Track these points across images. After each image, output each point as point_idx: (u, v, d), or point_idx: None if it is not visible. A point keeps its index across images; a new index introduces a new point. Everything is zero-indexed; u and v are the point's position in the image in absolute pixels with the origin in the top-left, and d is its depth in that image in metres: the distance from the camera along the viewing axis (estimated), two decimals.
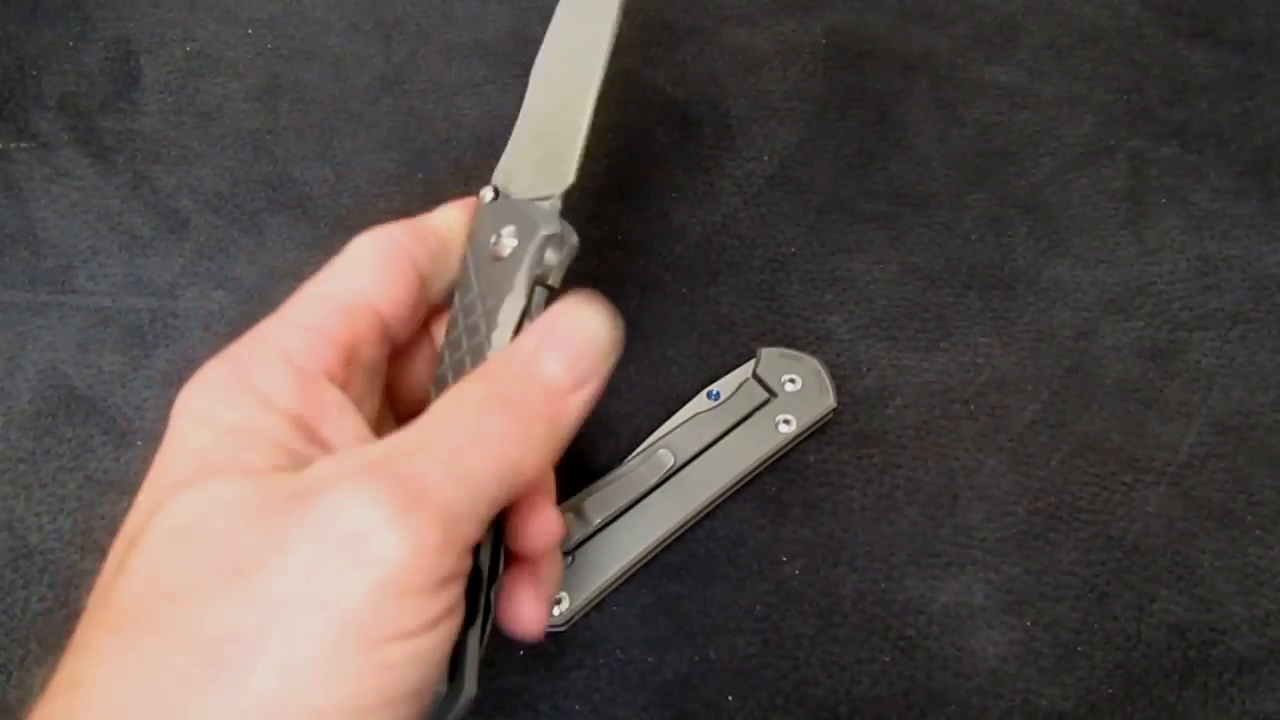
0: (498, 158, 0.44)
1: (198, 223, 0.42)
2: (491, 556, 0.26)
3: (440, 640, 0.20)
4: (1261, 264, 0.42)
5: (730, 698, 0.33)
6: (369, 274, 0.27)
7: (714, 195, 0.43)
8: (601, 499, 0.34)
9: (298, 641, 0.18)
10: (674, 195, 0.43)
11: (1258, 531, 0.36)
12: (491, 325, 0.28)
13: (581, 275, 0.41)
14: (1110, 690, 0.33)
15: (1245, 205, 0.43)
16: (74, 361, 0.38)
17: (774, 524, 0.35)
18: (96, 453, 0.37)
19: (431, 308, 0.30)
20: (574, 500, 0.34)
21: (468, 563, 0.21)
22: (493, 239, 0.30)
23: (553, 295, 0.30)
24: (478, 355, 0.28)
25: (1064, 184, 0.44)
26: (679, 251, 0.41)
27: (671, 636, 0.33)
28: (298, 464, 0.21)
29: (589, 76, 0.32)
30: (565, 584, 0.33)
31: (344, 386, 0.25)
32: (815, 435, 0.37)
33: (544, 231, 0.29)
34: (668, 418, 0.36)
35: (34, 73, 0.46)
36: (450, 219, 0.30)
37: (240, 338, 0.25)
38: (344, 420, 0.23)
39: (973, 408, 0.38)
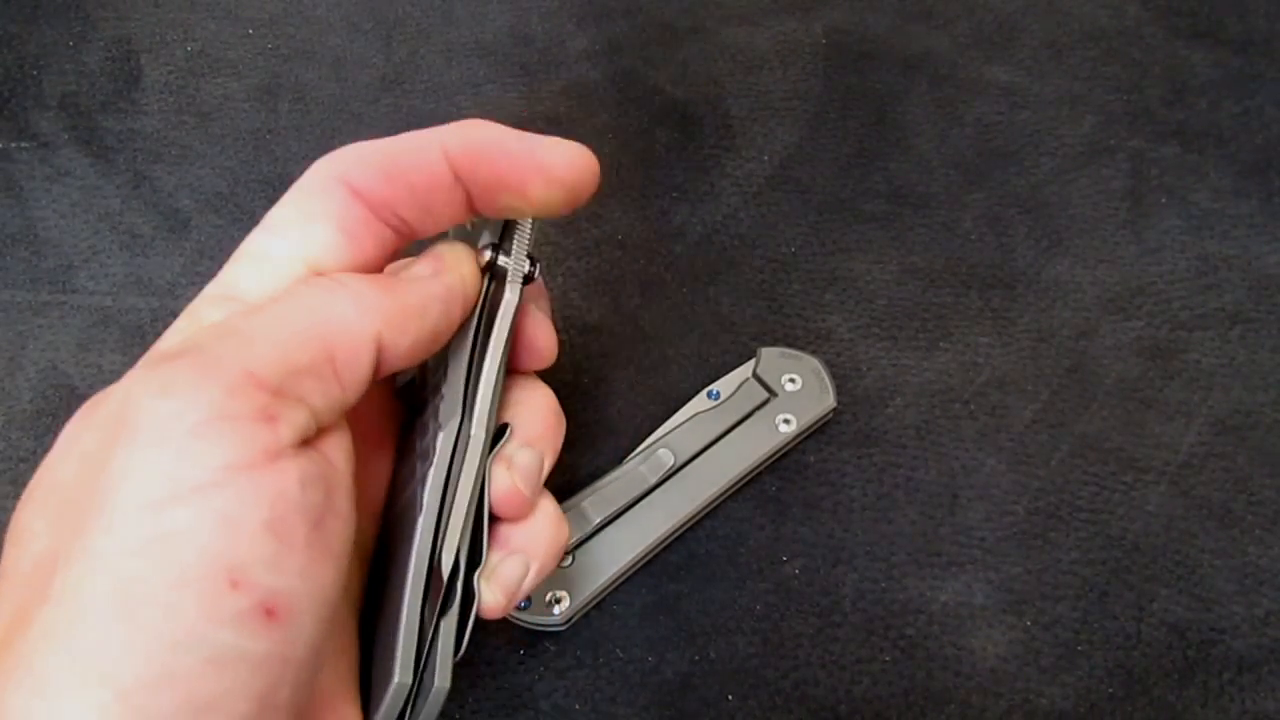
0: None
1: (198, 222, 0.42)
2: (471, 543, 0.25)
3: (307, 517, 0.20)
4: (1261, 264, 0.42)
5: (730, 698, 0.33)
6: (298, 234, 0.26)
7: (714, 195, 0.43)
8: (601, 499, 0.34)
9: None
10: (674, 195, 0.43)
11: (1258, 531, 0.36)
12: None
13: (582, 275, 0.41)
14: (1110, 690, 0.33)
15: (1245, 205, 0.43)
16: (74, 361, 0.38)
17: (774, 524, 0.35)
18: None
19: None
20: (574, 500, 0.34)
21: (302, 419, 0.21)
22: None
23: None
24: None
25: (1064, 184, 0.44)
26: (679, 251, 0.41)
27: (671, 636, 0.33)
28: None
29: None
30: (565, 584, 0.33)
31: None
32: (815, 435, 0.37)
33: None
34: (668, 418, 0.36)
35: (34, 73, 0.46)
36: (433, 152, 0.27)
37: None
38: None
39: (973, 408, 0.38)
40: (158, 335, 0.39)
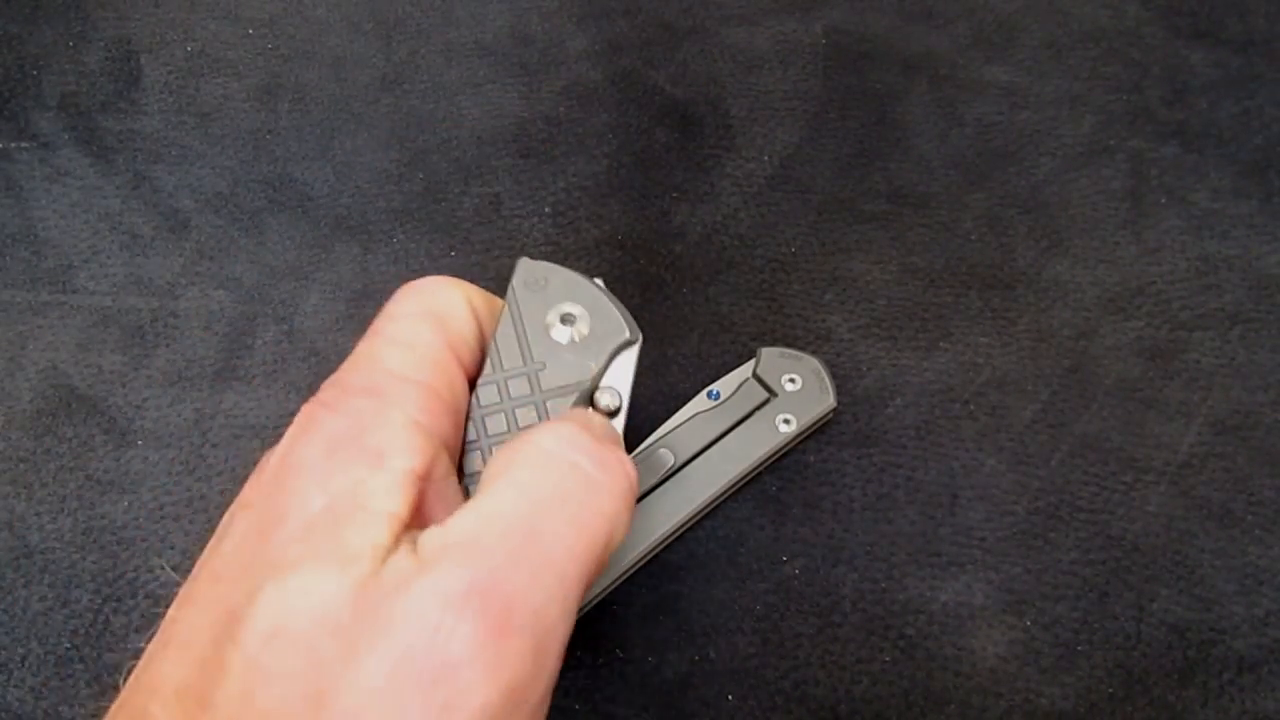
0: (498, 158, 0.44)
1: (198, 222, 0.42)
2: None
3: None
4: (1261, 264, 0.42)
5: (730, 698, 0.33)
6: (465, 325, 0.24)
7: (714, 195, 0.43)
8: None
9: None
10: (674, 195, 0.43)
11: (1258, 531, 0.36)
12: (546, 414, 0.25)
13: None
14: (1110, 690, 0.33)
15: (1245, 205, 0.43)
16: (74, 361, 0.38)
17: (774, 524, 0.35)
18: (97, 452, 0.37)
19: None
20: None
21: (560, 665, 0.20)
22: (549, 314, 0.27)
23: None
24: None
25: (1064, 184, 0.44)
26: (679, 251, 0.41)
27: (671, 636, 0.33)
28: (397, 539, 0.20)
29: None
30: None
31: (453, 455, 0.23)
32: (815, 435, 0.37)
33: (627, 336, 0.27)
34: (668, 418, 0.36)
35: (34, 73, 0.46)
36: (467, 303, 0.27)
37: (344, 383, 0.23)
38: (451, 492, 0.22)
39: (973, 408, 0.38)
40: (157, 335, 0.39)
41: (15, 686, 0.33)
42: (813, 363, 0.37)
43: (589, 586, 0.20)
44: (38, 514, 0.35)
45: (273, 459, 0.22)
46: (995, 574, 0.35)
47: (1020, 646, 0.34)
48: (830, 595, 0.34)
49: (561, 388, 0.25)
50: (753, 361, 0.37)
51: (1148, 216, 0.43)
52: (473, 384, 0.25)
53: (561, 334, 0.26)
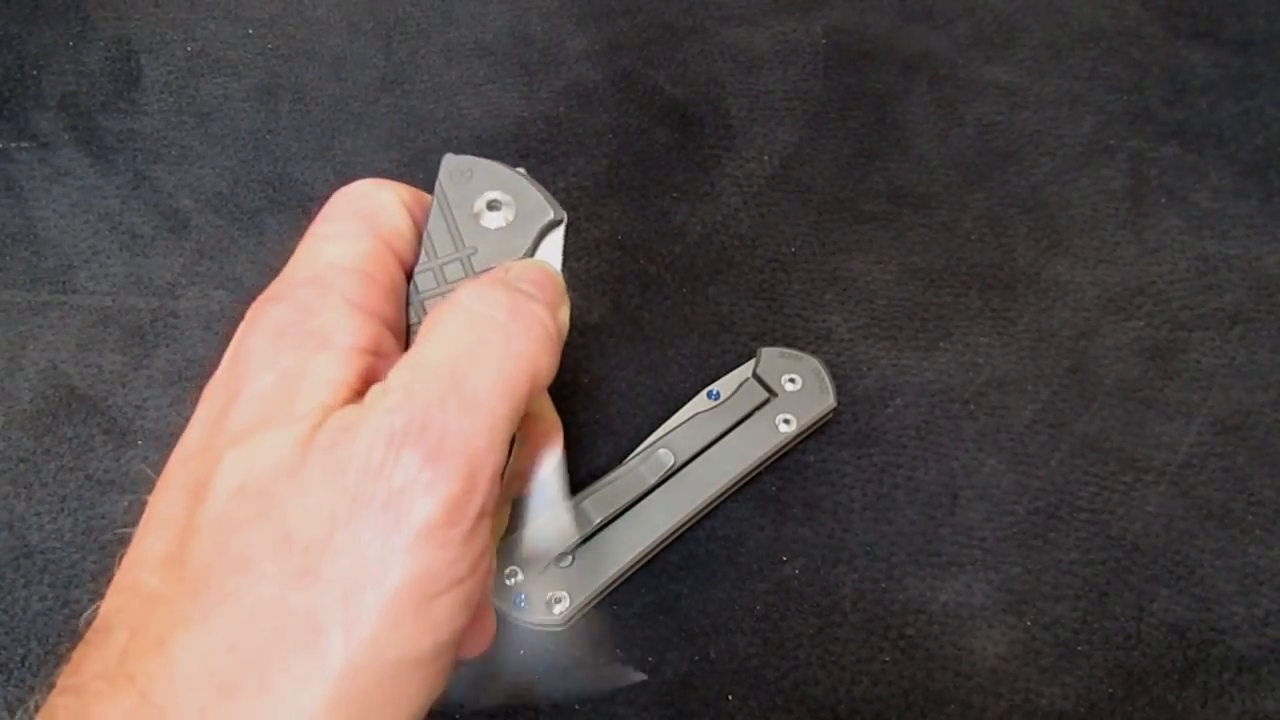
0: (498, 158, 0.44)
1: (198, 222, 0.42)
2: None
3: (481, 579, 0.21)
4: (1261, 264, 0.42)
5: (730, 698, 0.33)
6: (396, 218, 0.26)
7: (714, 195, 0.43)
8: (601, 499, 0.34)
9: (357, 620, 0.19)
10: (674, 195, 0.43)
11: (1258, 531, 0.36)
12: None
13: (582, 275, 0.41)
14: (1110, 690, 0.33)
15: (1245, 205, 0.43)
16: (74, 361, 0.38)
17: (774, 524, 0.35)
18: (97, 452, 0.37)
19: None
20: (574, 500, 0.34)
21: (496, 490, 0.22)
22: (480, 202, 0.28)
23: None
24: None
25: (1064, 184, 0.44)
26: (679, 251, 0.41)
27: (671, 636, 0.33)
28: (345, 402, 0.22)
29: None
30: (565, 584, 0.33)
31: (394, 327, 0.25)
32: (815, 435, 0.37)
33: (551, 216, 0.28)
34: (668, 418, 0.36)
35: (34, 73, 0.46)
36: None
37: (288, 277, 0.25)
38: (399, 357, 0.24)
39: (973, 408, 0.38)
40: (158, 335, 0.39)
41: (15, 686, 0.33)
42: (813, 363, 0.37)
43: (517, 418, 0.22)
44: (38, 514, 0.35)
45: (227, 352, 0.24)
46: (995, 574, 0.35)
47: (1020, 646, 0.34)
48: (830, 595, 0.34)
49: (492, 269, 0.27)
50: (753, 361, 0.37)
51: (1148, 216, 0.43)
52: (410, 274, 0.27)
53: (490, 220, 0.28)
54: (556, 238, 0.28)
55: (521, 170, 0.29)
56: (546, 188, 0.29)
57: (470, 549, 0.21)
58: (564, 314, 0.25)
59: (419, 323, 0.27)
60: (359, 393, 0.22)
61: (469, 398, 0.21)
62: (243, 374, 0.23)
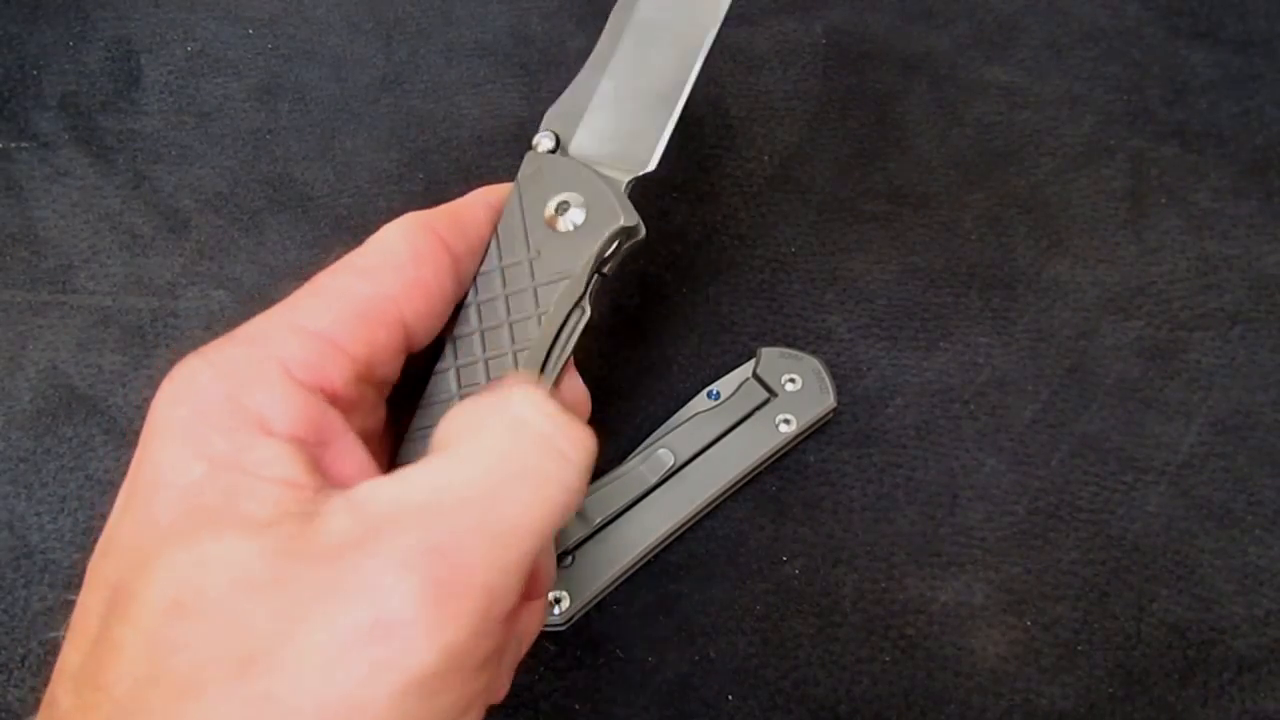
0: (498, 158, 0.44)
1: (198, 222, 0.42)
2: None
3: (480, 708, 0.19)
4: (1261, 264, 0.42)
5: (730, 698, 0.33)
6: (399, 274, 0.23)
7: (714, 195, 0.43)
8: (601, 499, 0.34)
9: None
10: (674, 195, 0.43)
11: (1258, 531, 0.36)
12: (542, 306, 0.25)
13: None
14: (1110, 690, 0.33)
15: (1245, 205, 0.43)
16: (74, 361, 0.38)
17: (774, 524, 0.35)
18: (97, 452, 0.37)
19: None
20: None
21: (506, 635, 0.20)
22: (552, 204, 0.26)
23: (604, 279, 0.27)
24: (520, 333, 0.25)
25: (1064, 184, 0.44)
26: (679, 251, 0.41)
27: (671, 636, 0.33)
28: (305, 507, 0.19)
29: (695, 44, 0.28)
30: (565, 584, 0.33)
31: (351, 407, 0.22)
32: (815, 435, 0.37)
33: (622, 222, 0.26)
34: (668, 418, 0.36)
35: (34, 73, 0.46)
36: (482, 208, 0.26)
37: (234, 333, 0.22)
38: (349, 449, 0.21)
39: (973, 408, 0.38)
40: (158, 335, 0.39)
41: (15, 686, 0.33)
42: (813, 363, 0.37)
43: (533, 561, 0.19)
44: (38, 514, 0.35)
45: (147, 420, 0.21)
46: (995, 574, 0.35)
47: (1020, 646, 0.34)
48: (830, 595, 0.34)
49: (555, 274, 0.26)
50: (753, 361, 0.37)
51: (1148, 216, 0.43)
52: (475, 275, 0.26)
53: (562, 223, 0.26)
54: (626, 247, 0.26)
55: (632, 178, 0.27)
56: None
57: (468, 690, 0.18)
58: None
59: (474, 329, 0.25)
60: (314, 490, 0.19)
61: (503, 530, 0.18)
62: (165, 456, 0.19)
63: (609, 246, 0.26)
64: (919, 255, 0.42)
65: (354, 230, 0.41)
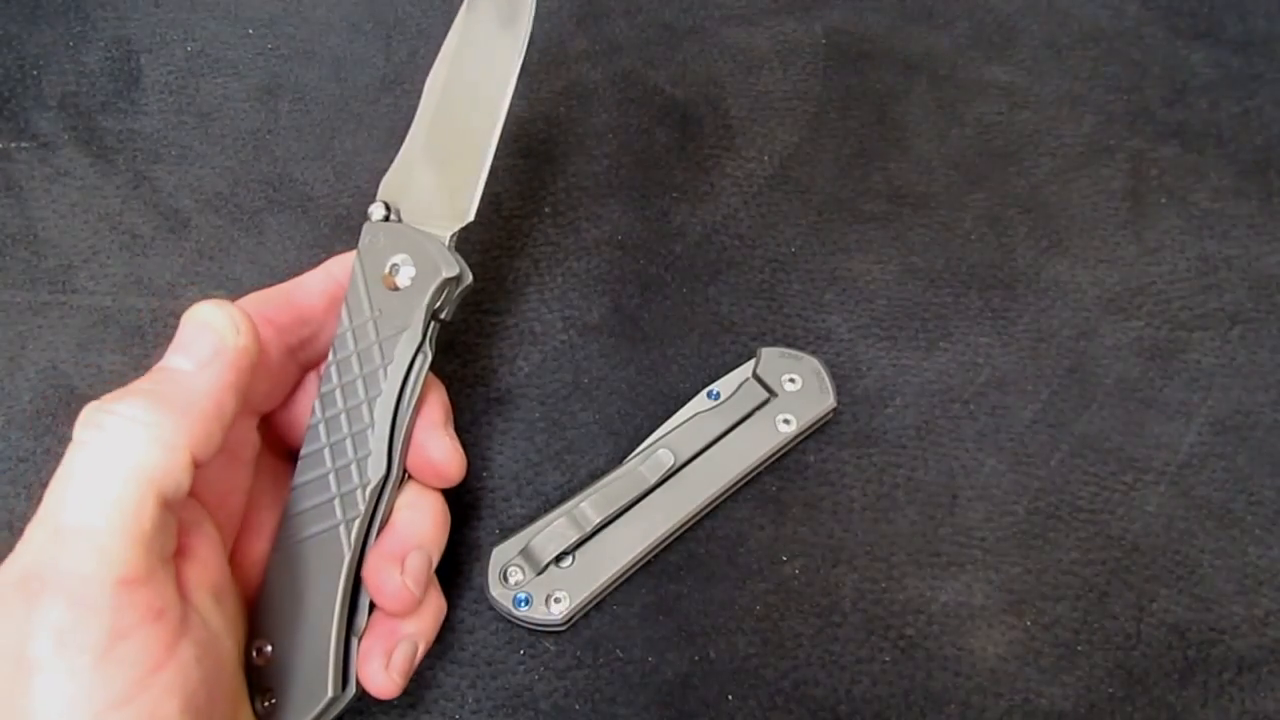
0: (498, 158, 0.44)
1: (198, 223, 0.42)
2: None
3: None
4: (1261, 264, 0.42)
5: (730, 698, 0.33)
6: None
7: (714, 195, 0.43)
8: (601, 499, 0.34)
9: None
10: (674, 195, 0.43)
11: (1258, 531, 0.36)
12: (387, 357, 0.29)
13: (582, 275, 0.41)
14: (1110, 690, 0.33)
15: (1245, 205, 0.43)
16: (74, 361, 0.38)
17: (774, 524, 0.35)
18: None
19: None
20: (574, 500, 0.34)
21: (157, 599, 0.23)
22: (387, 266, 0.30)
23: (443, 324, 0.31)
24: (373, 383, 0.29)
25: (1064, 184, 0.44)
26: (679, 251, 0.41)
27: (671, 636, 0.33)
28: None
29: (495, 106, 0.33)
30: (565, 584, 0.33)
31: (199, 489, 0.26)
32: (815, 435, 0.37)
33: (445, 274, 0.30)
34: (668, 418, 0.36)
35: (34, 73, 0.46)
36: (320, 277, 0.31)
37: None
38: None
39: (973, 408, 0.38)
40: (158, 335, 0.39)
41: None
42: (813, 363, 0.37)
43: (145, 512, 0.23)
44: None
45: None
46: (995, 574, 0.35)
47: (1020, 646, 0.34)
48: (830, 595, 0.34)
49: (396, 328, 0.30)
50: (753, 361, 0.37)
51: (1148, 216, 0.43)
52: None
53: (399, 281, 0.30)
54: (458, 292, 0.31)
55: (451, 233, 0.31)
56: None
57: (118, 664, 0.21)
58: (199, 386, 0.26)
59: (335, 384, 0.30)
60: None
61: (67, 528, 0.22)
62: None
63: (439, 297, 0.30)
64: (919, 255, 0.42)
65: (354, 230, 0.41)
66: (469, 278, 0.31)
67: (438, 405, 0.31)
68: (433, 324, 0.30)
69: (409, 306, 0.30)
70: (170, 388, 0.25)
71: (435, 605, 0.31)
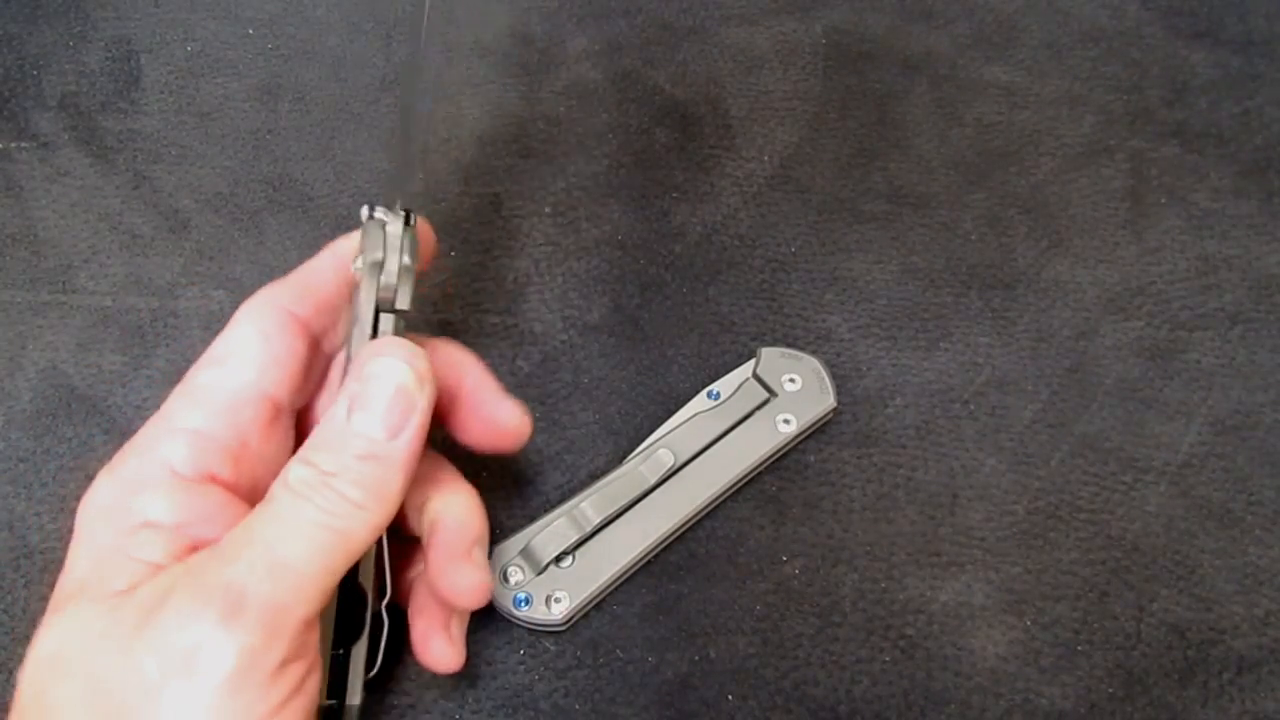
0: (498, 158, 0.44)
1: (198, 223, 0.42)
2: (376, 575, 0.29)
3: (292, 713, 0.23)
4: (1261, 264, 0.42)
5: (730, 698, 0.33)
6: (254, 360, 0.27)
7: (714, 195, 0.43)
8: (601, 499, 0.34)
9: None
10: (674, 195, 0.43)
11: (1258, 531, 0.36)
12: (350, 357, 0.28)
13: (582, 275, 0.41)
14: (1110, 690, 0.33)
15: (1245, 205, 0.43)
16: (74, 361, 0.38)
17: (774, 524, 0.35)
18: (97, 452, 0.37)
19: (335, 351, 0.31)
20: (574, 500, 0.34)
21: (311, 640, 0.24)
22: (355, 264, 0.29)
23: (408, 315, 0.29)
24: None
25: (1064, 184, 0.44)
26: (679, 251, 0.41)
27: (671, 636, 0.33)
28: (159, 578, 0.24)
29: (411, 78, 0.32)
30: (565, 584, 0.33)
31: (236, 480, 0.26)
32: (815, 435, 0.37)
33: (370, 257, 0.28)
34: (668, 418, 0.36)
35: (34, 73, 0.46)
36: (330, 264, 0.30)
37: (130, 442, 0.26)
38: (227, 518, 0.25)
39: (973, 408, 0.38)
40: (158, 335, 0.39)
41: (15, 687, 0.33)
42: (813, 363, 0.37)
43: (332, 575, 0.24)
44: (38, 514, 0.35)
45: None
46: (995, 574, 0.35)
47: (1020, 646, 0.34)
48: (830, 595, 0.34)
49: (356, 325, 0.29)
50: (753, 361, 0.37)
51: (1148, 216, 0.43)
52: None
53: (354, 275, 0.29)
54: (386, 324, 0.29)
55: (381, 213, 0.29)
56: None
57: (275, 691, 0.23)
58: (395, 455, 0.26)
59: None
60: (178, 559, 0.24)
61: (278, 561, 0.23)
62: (73, 553, 0.25)
63: (375, 284, 0.29)
64: (919, 255, 0.42)
65: (355, 230, 0.41)
66: (405, 261, 0.28)
67: (486, 372, 0.31)
68: (391, 317, 0.29)
69: (359, 299, 0.29)
70: (375, 469, 0.25)
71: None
